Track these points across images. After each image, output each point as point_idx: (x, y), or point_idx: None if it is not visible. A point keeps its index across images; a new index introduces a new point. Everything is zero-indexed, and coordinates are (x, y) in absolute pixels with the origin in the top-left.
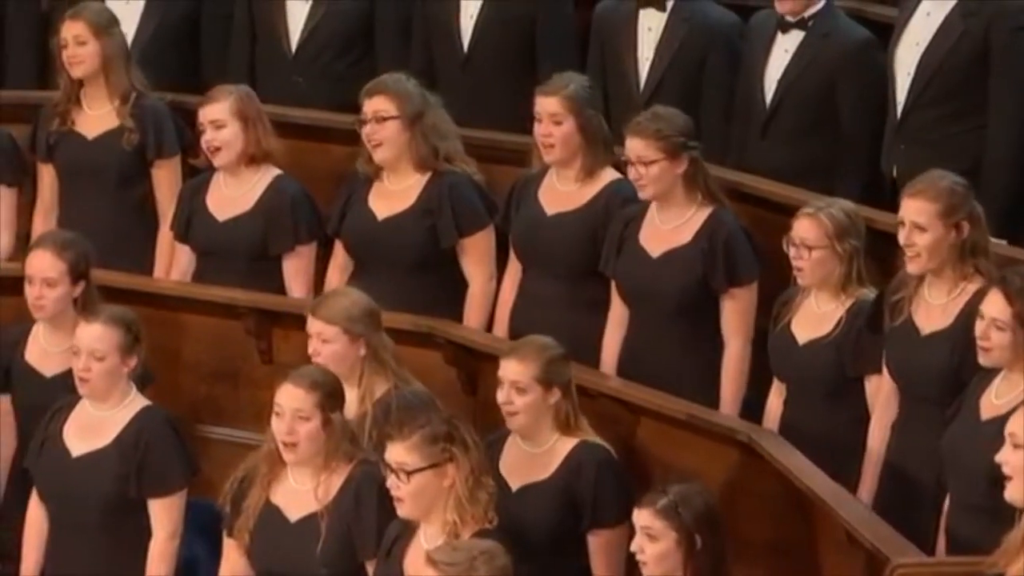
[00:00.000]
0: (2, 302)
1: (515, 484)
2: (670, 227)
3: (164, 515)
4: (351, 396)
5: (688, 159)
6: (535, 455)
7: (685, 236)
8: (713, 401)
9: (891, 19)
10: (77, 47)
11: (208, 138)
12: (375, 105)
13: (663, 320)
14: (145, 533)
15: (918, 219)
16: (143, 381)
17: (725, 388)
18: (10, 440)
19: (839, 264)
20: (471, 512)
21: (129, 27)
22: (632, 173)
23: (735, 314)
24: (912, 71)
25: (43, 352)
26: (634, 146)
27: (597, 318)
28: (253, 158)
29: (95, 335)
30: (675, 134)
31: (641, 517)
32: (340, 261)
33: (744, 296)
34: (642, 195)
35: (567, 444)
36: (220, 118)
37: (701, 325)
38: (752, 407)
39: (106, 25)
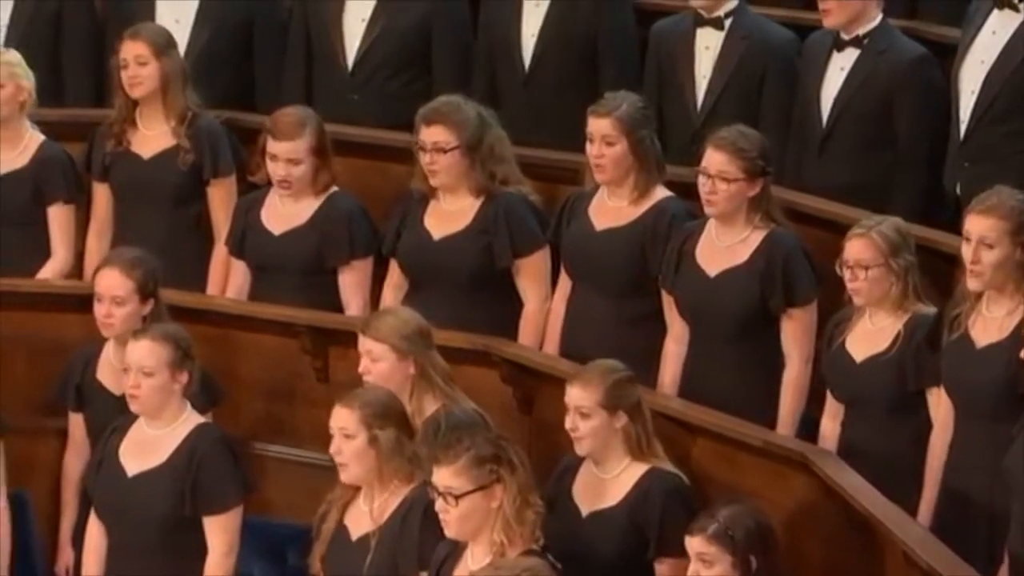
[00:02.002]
0: (64, 319)
1: (585, 509)
2: (726, 246)
3: (219, 532)
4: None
5: (762, 184)
6: (605, 481)
7: (742, 256)
8: (771, 420)
9: (946, 38)
10: (138, 67)
11: (282, 174)
12: (434, 135)
13: (721, 339)
14: (202, 551)
15: (988, 236)
16: (213, 399)
17: (784, 407)
18: (86, 458)
19: (896, 280)
20: (518, 532)
21: (179, 43)
22: (706, 186)
23: (794, 334)
24: (977, 89)
25: (113, 371)
26: (716, 160)
27: (646, 334)
28: (324, 187)
29: (143, 352)
30: (758, 157)
31: (694, 544)
32: (395, 280)
33: (803, 316)
34: (708, 210)
35: (637, 470)
36: (297, 156)
37: (759, 344)
38: (809, 425)
39: (166, 45)
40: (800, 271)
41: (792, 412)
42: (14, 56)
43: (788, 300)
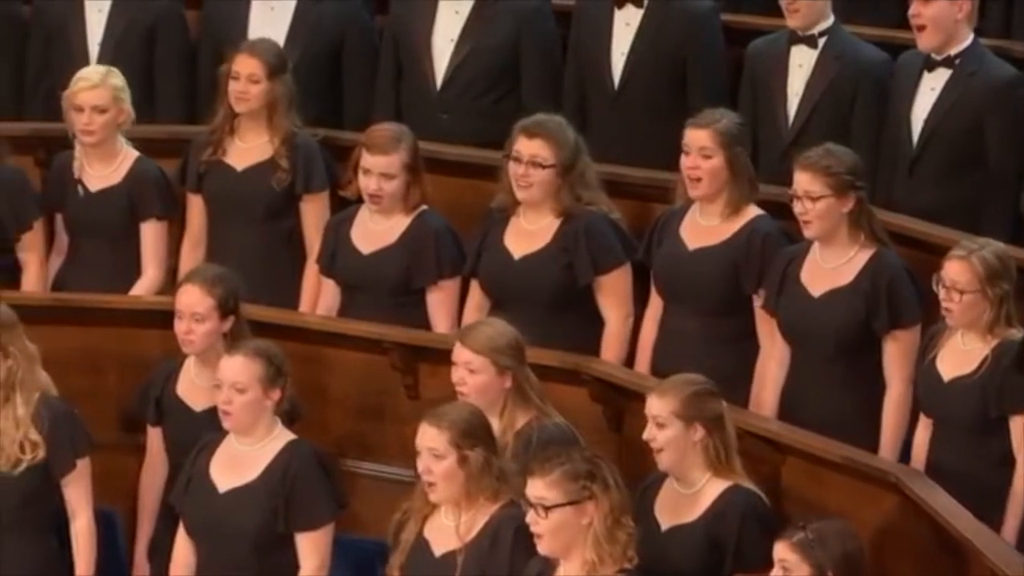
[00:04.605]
0: (150, 335)
1: (665, 524)
2: (831, 267)
3: (312, 549)
4: (492, 427)
5: (855, 199)
6: (685, 496)
7: (847, 276)
8: (872, 440)
9: None
10: (249, 84)
11: (374, 188)
12: (534, 148)
13: (823, 359)
14: (293, 568)
15: None
16: (292, 417)
17: (886, 430)
18: (163, 472)
19: (989, 307)
20: (609, 551)
21: None
22: (797, 207)
23: (897, 356)
24: None
25: (193, 386)
26: (802, 180)
27: (740, 353)
28: (415, 205)
29: (236, 368)
30: (844, 172)
31: (778, 549)
32: (477, 300)
33: (907, 338)
34: (806, 232)
35: (717, 487)
36: (391, 171)
37: (861, 365)
38: (901, 447)
39: (280, 67)
40: (906, 292)
41: (895, 435)
42: (119, 80)
43: (893, 321)
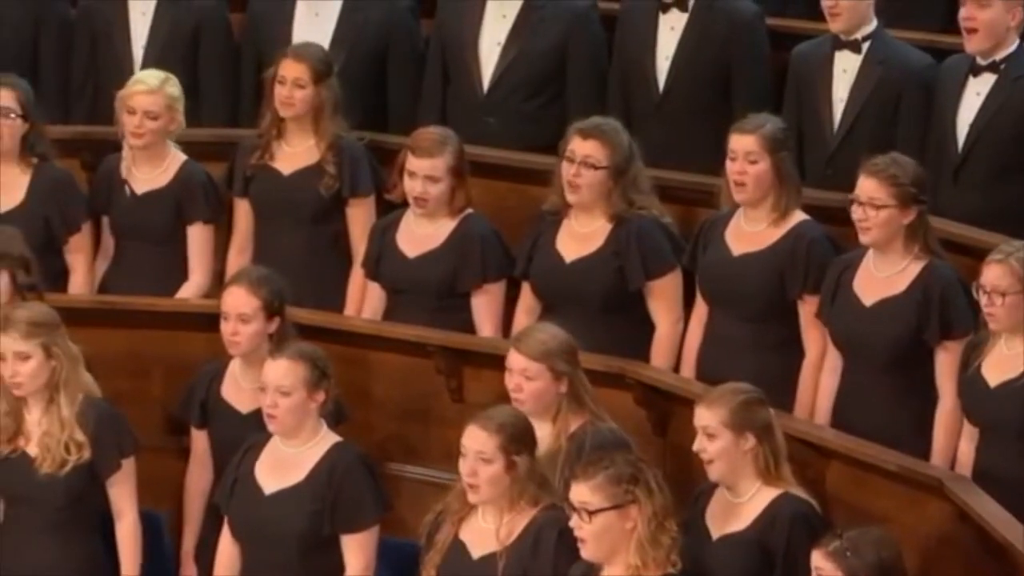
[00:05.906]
0: (195, 338)
1: (715, 533)
2: (884, 276)
3: (358, 551)
4: (545, 432)
5: (916, 211)
6: (736, 505)
7: (899, 286)
8: (923, 453)
9: None
10: (295, 89)
11: (419, 191)
12: (588, 149)
13: (875, 369)
14: (337, 569)
15: None
16: (337, 419)
17: (937, 441)
18: (208, 474)
19: None
20: (652, 556)
21: None
22: (857, 213)
23: (949, 366)
24: None
25: (238, 388)
26: (867, 187)
27: (783, 359)
28: (460, 209)
29: (281, 371)
30: (910, 183)
31: (814, 558)
32: (528, 303)
33: (959, 349)
34: (863, 238)
35: (768, 495)
36: (436, 174)
37: (913, 376)
38: None
39: (326, 71)
40: (958, 303)
41: (946, 445)
42: (175, 89)
43: (944, 332)
